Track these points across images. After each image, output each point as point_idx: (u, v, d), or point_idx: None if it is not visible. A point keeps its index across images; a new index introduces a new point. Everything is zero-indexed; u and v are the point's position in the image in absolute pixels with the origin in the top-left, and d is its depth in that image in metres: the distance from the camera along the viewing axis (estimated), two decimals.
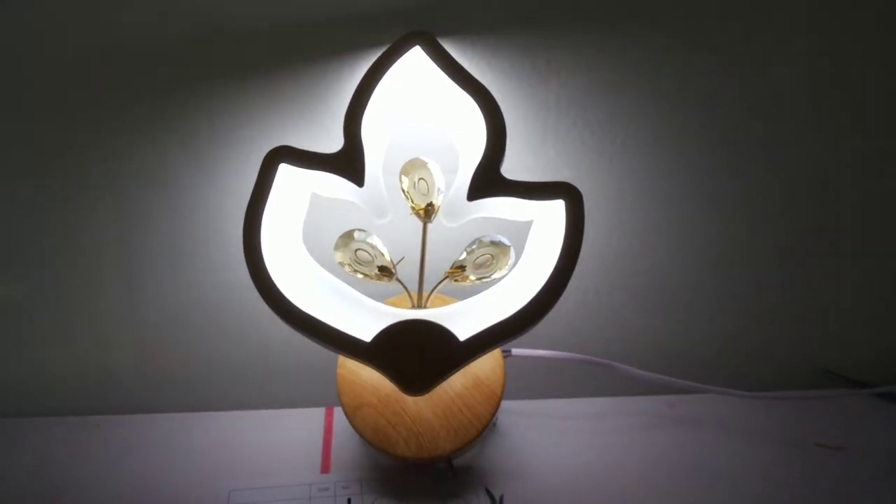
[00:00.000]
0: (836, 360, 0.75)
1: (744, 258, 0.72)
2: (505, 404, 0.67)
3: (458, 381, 0.57)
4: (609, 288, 0.71)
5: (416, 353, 0.51)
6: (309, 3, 0.59)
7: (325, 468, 0.59)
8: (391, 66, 0.57)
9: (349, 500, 0.56)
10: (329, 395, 0.61)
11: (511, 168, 0.65)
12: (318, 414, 0.67)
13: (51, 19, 0.58)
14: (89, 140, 0.62)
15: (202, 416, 0.66)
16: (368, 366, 0.51)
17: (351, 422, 0.56)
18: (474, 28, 0.61)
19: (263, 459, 0.61)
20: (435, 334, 0.51)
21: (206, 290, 0.67)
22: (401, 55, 0.57)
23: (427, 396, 0.56)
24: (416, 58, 0.57)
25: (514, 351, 0.63)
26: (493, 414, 0.56)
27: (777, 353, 0.76)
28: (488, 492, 0.57)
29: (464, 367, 0.51)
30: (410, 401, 0.56)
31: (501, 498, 0.57)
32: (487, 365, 0.58)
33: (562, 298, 0.53)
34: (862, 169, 0.69)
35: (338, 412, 0.66)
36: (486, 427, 0.55)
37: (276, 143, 0.61)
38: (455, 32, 0.61)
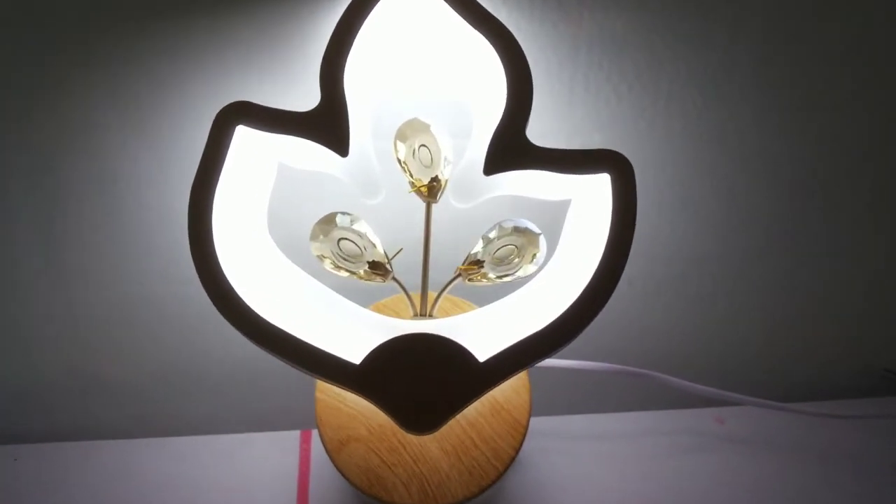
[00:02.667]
0: None
1: (800, 243, 0.61)
2: None
3: (472, 408, 0.44)
4: (644, 275, 0.60)
5: (420, 380, 0.38)
6: None
7: None
8: None
9: None
10: (307, 413, 0.48)
11: (528, 131, 0.53)
12: (291, 439, 0.54)
13: None
14: None
15: (149, 444, 0.53)
16: (358, 395, 0.39)
17: (334, 461, 0.43)
18: None
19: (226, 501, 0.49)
20: (446, 354, 0.38)
21: (152, 284, 0.54)
22: None
23: None
24: None
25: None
26: (517, 449, 0.44)
27: (831, 353, 0.65)
28: None
29: (483, 395, 0.39)
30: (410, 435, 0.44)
31: None
32: (508, 385, 0.45)
33: None
34: None
35: (316, 437, 0.54)
36: (508, 467, 0.43)
37: (232, 98, 0.48)
38: None
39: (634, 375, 0.54)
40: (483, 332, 0.40)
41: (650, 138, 0.55)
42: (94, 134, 0.49)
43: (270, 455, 0.52)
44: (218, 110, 0.42)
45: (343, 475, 0.43)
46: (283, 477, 0.50)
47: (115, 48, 0.47)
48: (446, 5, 0.42)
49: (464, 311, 0.48)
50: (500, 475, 0.43)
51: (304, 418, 0.55)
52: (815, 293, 0.63)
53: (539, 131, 0.52)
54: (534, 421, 0.56)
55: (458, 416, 0.44)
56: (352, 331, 0.40)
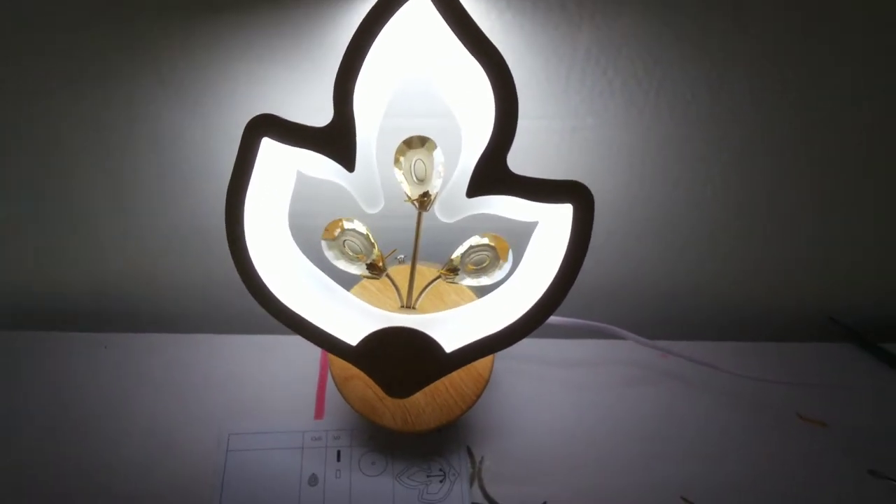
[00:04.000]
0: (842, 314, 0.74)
1: (766, 204, 0.67)
2: None
3: None
4: (620, 231, 0.68)
5: (400, 361, 0.50)
6: None
7: (319, 413, 0.63)
8: (391, 17, 0.48)
9: (339, 453, 0.60)
10: None
11: (529, 114, 0.58)
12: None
13: None
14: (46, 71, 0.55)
15: (204, 339, 0.68)
16: (354, 366, 0.51)
17: (340, 391, 0.57)
18: None
19: (261, 394, 0.64)
20: (421, 344, 0.50)
21: (196, 216, 0.65)
22: (404, 3, 0.48)
23: None
24: (423, 7, 0.48)
25: None
26: (479, 395, 0.57)
27: (783, 302, 0.74)
28: (470, 452, 0.61)
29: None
30: None
31: (482, 460, 0.60)
32: None
33: None
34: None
35: None
36: (470, 407, 0.57)
37: (263, 80, 0.55)
38: None
39: (593, 330, 0.65)
40: (453, 328, 0.51)
41: (639, 123, 0.59)
42: (144, 104, 0.57)
43: (296, 355, 0.66)
44: (250, 91, 0.52)
45: (347, 402, 0.57)
46: (306, 376, 0.65)
47: (162, 34, 0.53)
48: (451, 34, 0.47)
49: (460, 297, 0.58)
50: (464, 412, 0.57)
51: None
52: (778, 254, 0.71)
53: (539, 113, 0.58)
54: None
55: None
56: (351, 317, 0.51)
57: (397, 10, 0.48)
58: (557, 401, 0.65)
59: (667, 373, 0.68)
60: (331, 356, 0.58)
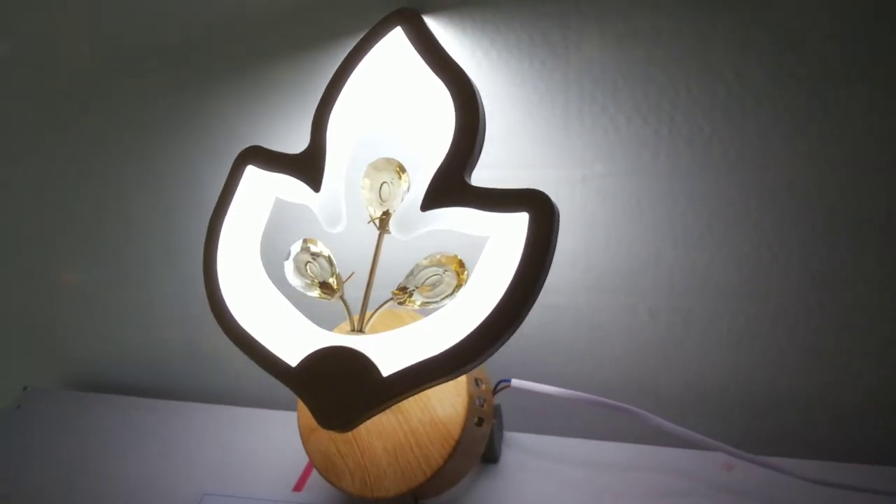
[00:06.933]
0: None
1: (847, 285, 0.53)
2: (508, 436, 0.59)
3: (414, 416, 0.49)
4: (661, 309, 0.57)
5: (335, 386, 0.45)
6: None
7: (300, 486, 0.56)
8: (369, 51, 0.51)
9: None
10: None
11: (531, 162, 0.56)
12: None
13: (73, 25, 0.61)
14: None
15: (212, 409, 0.68)
16: (293, 392, 0.47)
17: (304, 445, 0.52)
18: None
19: (251, 461, 0.60)
20: (356, 365, 0.44)
21: None
22: (381, 38, 0.51)
23: (380, 429, 0.50)
24: (397, 41, 0.50)
25: (515, 382, 0.54)
26: (446, 459, 0.48)
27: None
28: None
29: (390, 405, 0.44)
30: (363, 431, 0.50)
31: None
32: (448, 400, 0.49)
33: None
34: None
35: None
36: (436, 472, 0.48)
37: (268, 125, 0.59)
38: (454, 6, 0.52)
39: (623, 412, 0.53)
40: (397, 349, 0.45)
41: (656, 168, 0.53)
42: (190, 170, 0.65)
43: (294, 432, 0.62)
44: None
45: (309, 457, 0.51)
46: (295, 451, 0.59)
47: (204, 105, 0.61)
48: (420, 60, 0.48)
49: (405, 323, 0.53)
50: (427, 480, 0.48)
51: None
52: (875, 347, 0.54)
53: (541, 161, 0.55)
54: (526, 437, 0.59)
55: (403, 421, 0.50)
56: (300, 340, 0.48)
57: (375, 44, 0.51)
58: None
59: (731, 490, 0.52)
60: (300, 409, 0.54)
